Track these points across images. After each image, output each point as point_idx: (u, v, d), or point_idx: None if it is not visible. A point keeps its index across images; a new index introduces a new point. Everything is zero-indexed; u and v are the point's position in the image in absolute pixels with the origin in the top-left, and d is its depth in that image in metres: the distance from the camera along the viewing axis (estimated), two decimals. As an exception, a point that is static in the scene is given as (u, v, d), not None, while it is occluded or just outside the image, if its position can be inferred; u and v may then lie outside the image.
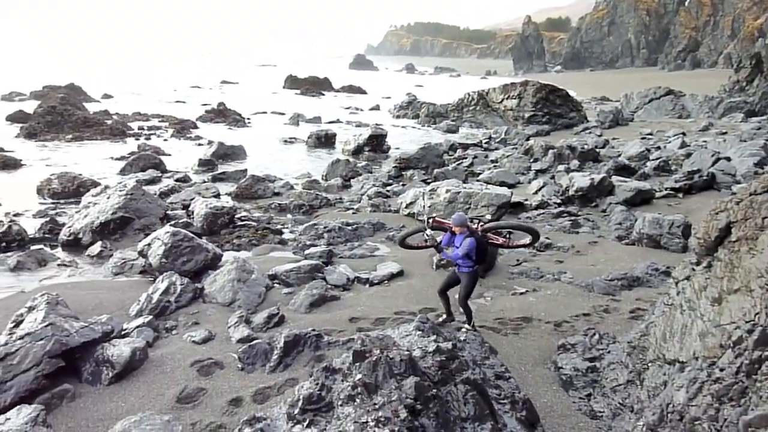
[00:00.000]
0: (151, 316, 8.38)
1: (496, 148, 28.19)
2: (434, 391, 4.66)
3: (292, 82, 66.49)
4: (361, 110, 46.14)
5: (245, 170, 20.39)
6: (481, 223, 8.16)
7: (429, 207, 8.61)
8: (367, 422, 4.24)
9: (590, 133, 32.02)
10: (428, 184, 17.52)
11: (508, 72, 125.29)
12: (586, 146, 23.13)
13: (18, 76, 55.41)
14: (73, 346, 6.67)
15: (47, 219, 13.65)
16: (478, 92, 41.16)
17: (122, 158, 21.95)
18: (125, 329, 7.93)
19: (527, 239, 8.54)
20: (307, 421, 4.53)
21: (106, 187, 15.00)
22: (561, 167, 21.19)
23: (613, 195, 16.43)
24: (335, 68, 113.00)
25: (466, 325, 7.86)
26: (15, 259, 11.08)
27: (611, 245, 12.82)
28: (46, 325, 6.76)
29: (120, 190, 13.70)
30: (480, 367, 6.09)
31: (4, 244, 11.90)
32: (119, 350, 6.85)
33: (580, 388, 6.41)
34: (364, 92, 64.27)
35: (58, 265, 11.32)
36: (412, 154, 21.88)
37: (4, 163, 20.27)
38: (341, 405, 4.57)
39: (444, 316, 8.25)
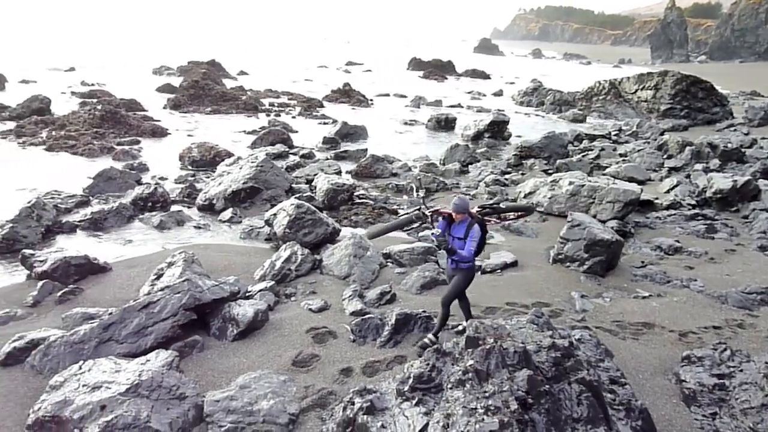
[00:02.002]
0: (272, 282, 8.90)
1: (626, 141, 26.54)
2: (547, 386, 4.55)
3: (416, 65, 66.73)
4: (484, 95, 45.33)
5: (366, 150, 20.86)
6: (502, 202, 7.57)
7: (423, 193, 7.27)
8: (476, 409, 4.24)
9: (735, 130, 29.15)
10: (549, 174, 16.93)
11: (644, 61, 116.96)
12: (729, 144, 21.10)
13: (167, 51, 60.40)
14: (204, 301, 7.26)
15: (186, 184, 14.87)
16: (609, 81, 38.87)
17: (253, 132, 23.29)
18: (249, 291, 8.49)
19: (518, 213, 8.09)
20: (416, 399, 4.62)
21: (239, 158, 16.03)
22: (698, 166, 19.53)
23: (759, 200, 14.90)
24: (459, 52, 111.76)
25: (430, 335, 6.88)
26: (158, 219, 12.22)
27: (752, 255, 11.68)
28: (183, 281, 7.41)
29: (251, 162, 14.58)
30: (594, 368, 5.85)
31: (150, 204, 13.14)
32: (244, 310, 7.36)
33: (705, 405, 5.96)
34: (487, 77, 63.03)
35: (194, 227, 12.33)
36: (534, 142, 21.20)
37: (153, 132, 22.31)
38: (451, 388, 4.61)
39: (431, 337, 6.88)
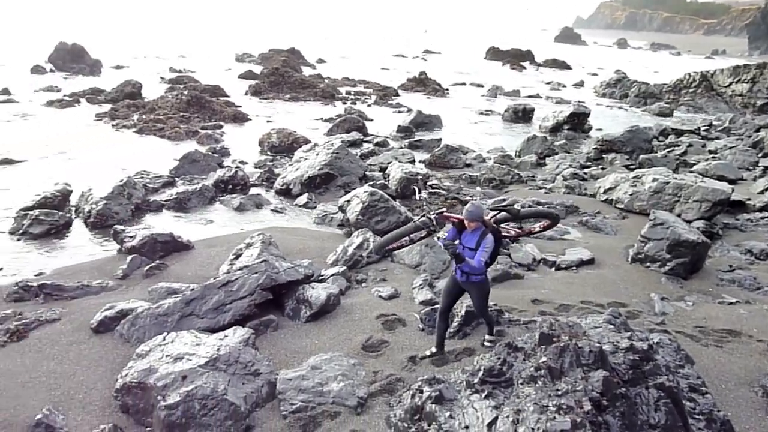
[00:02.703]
0: (344, 267, 9.05)
1: (717, 138, 24.99)
2: (623, 389, 4.40)
3: (494, 54, 65.42)
4: (564, 86, 43.91)
5: (440, 139, 20.74)
6: (493, 213, 6.35)
7: (426, 197, 6.82)
8: (547, 406, 4.16)
9: (844, 129, 26.81)
10: (631, 170, 16.22)
11: (740, 52, 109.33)
12: (836, 144, 19.46)
13: (250, 39, 62.21)
14: (280, 282, 7.49)
15: (265, 169, 15.34)
16: (700, 73, 36.66)
17: (330, 119, 23.66)
18: (322, 275, 8.68)
19: (541, 223, 7.03)
20: (485, 393, 4.58)
21: (315, 144, 16.35)
22: (799, 166, 18.15)
23: None
24: (540, 41, 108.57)
25: (487, 336, 6.69)
26: (238, 201, 12.69)
27: None
28: (261, 262, 7.68)
29: (327, 149, 14.84)
30: (674, 374, 5.59)
31: (230, 186, 13.67)
32: (317, 293, 7.54)
33: (796, 422, 5.58)
34: (568, 67, 60.95)
35: (271, 210, 12.73)
36: (616, 136, 20.37)
37: (235, 117, 23.12)
38: (522, 384, 4.54)
39: (433, 349, 6.48)
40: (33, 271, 9.03)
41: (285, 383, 5.70)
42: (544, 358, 4.54)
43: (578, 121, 24.42)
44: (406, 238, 6.51)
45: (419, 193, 6.53)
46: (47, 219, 10.73)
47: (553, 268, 9.84)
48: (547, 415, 4.09)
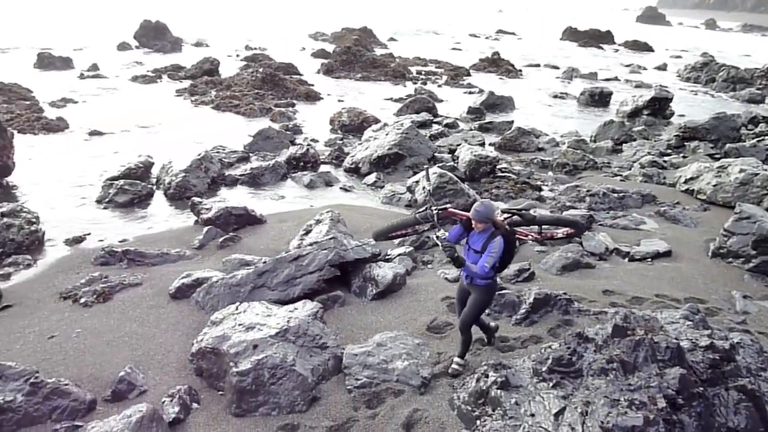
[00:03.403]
0: (411, 248, 9.08)
1: (815, 128, 23.16)
2: (700, 389, 4.22)
3: (571, 34, 62.96)
4: (645, 69, 41.80)
5: (511, 122, 20.29)
6: (513, 218, 5.61)
7: (430, 188, 6.13)
8: (618, 401, 4.04)
9: None
10: (716, 159, 15.32)
11: None
12: None
13: (323, 17, 62.72)
14: (348, 260, 7.61)
15: (335, 147, 15.53)
16: (801, 57, 33.93)
17: (400, 99, 23.59)
18: (389, 255, 8.74)
19: (565, 230, 6.18)
20: (553, 382, 4.51)
21: (385, 124, 16.37)
22: None
23: None
24: (620, 21, 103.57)
25: (457, 359, 5.82)
26: (308, 178, 12.94)
27: None
28: (330, 238, 7.81)
29: (397, 129, 14.84)
30: (755, 377, 5.30)
31: (301, 163, 13.94)
32: (384, 272, 7.60)
33: None
34: (650, 49, 57.92)
35: (340, 188, 12.90)
36: (700, 123, 19.23)
37: (307, 95, 23.47)
38: (591, 375, 4.43)
39: (459, 361, 5.81)
40: (117, 238, 9.57)
41: (351, 358, 5.81)
42: (617, 351, 4.41)
43: (659, 106, 23.24)
44: (409, 229, 6.04)
45: (426, 181, 6.03)
46: (131, 189, 11.32)
47: (627, 259, 9.50)
48: (618, 409, 3.99)
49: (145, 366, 6.00)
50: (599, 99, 26.47)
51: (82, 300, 7.29)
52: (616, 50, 56.00)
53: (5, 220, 9.05)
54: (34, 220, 9.44)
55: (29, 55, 27.32)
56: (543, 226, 5.84)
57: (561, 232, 6.07)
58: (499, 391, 4.67)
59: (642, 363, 4.28)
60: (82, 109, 19.21)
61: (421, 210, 5.63)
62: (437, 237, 5.18)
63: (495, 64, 36.05)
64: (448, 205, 5.87)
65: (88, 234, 9.65)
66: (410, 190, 11.50)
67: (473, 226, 5.24)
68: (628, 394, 4.09)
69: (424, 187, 5.59)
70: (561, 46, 55.14)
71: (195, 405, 5.50)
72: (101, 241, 9.38)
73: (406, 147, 14.29)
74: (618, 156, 17.43)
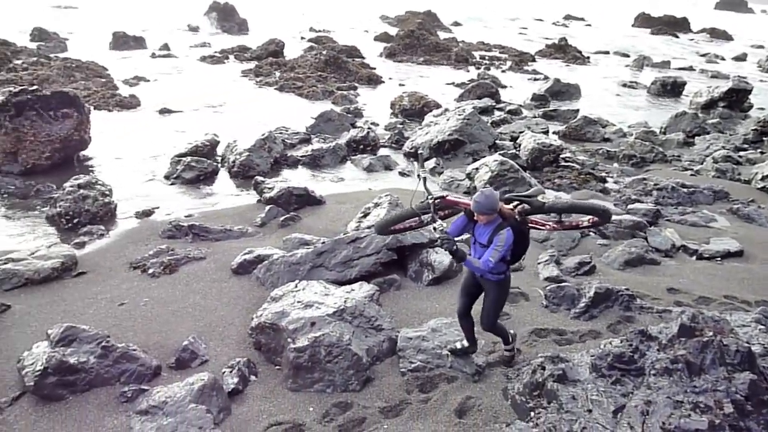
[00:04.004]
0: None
1: None
2: (772, 396, 4.02)
3: (644, 21, 60.26)
4: (722, 59, 39.60)
5: (577, 110, 19.69)
6: (521, 206, 4.89)
7: (425, 175, 5.24)
8: (682, 402, 3.91)
9: None
10: (799, 156, 14.41)
11: None
12: None
13: (387, 0, 62.43)
14: (405, 244, 7.63)
15: (395, 131, 15.51)
16: None
17: (462, 84, 23.29)
18: (446, 241, 8.69)
19: (590, 218, 5.35)
20: (613, 378, 4.40)
21: (446, 109, 16.21)
22: None
23: None
24: (697, 7, 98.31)
25: (504, 346, 5.67)
26: (368, 161, 13.00)
27: None
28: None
29: (458, 114, 14.67)
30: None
31: (361, 146, 14.02)
32: (440, 258, 7.58)
33: None
34: (729, 38, 54.78)
35: (399, 172, 12.90)
36: (783, 117, 18.11)
37: (369, 78, 23.51)
38: (654, 375, 4.30)
39: (464, 343, 5.65)
40: (184, 213, 9.92)
41: (405, 341, 5.85)
42: (682, 351, 4.26)
43: (737, 98, 21.98)
44: (411, 222, 5.51)
45: (420, 168, 5.43)
46: (197, 166, 11.70)
47: (694, 257, 9.10)
48: (681, 411, 3.85)
49: (207, 337, 6.24)
50: (671, 89, 25.29)
51: (150, 270, 7.63)
52: (692, 38, 53.24)
53: (81, 191, 9.54)
54: (107, 192, 9.91)
55: (105, 34, 28.51)
56: (562, 215, 5.26)
57: (586, 220, 5.36)
58: (555, 384, 4.60)
59: (709, 365, 4.12)
60: (154, 88, 19.94)
61: (422, 201, 5.11)
62: (434, 229, 4.72)
63: (562, 50, 34.99)
64: (446, 193, 5.39)
65: (157, 208, 10.05)
66: (469, 176, 11.37)
67: (477, 218, 4.76)
68: (692, 396, 3.94)
69: (418, 175, 5.11)
70: (632, 33, 52.91)
71: (253, 377, 5.68)
72: (168, 215, 9.75)
73: (466, 133, 14.12)
74: (689, 149, 16.66)
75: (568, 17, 63.94)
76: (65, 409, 5.10)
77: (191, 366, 5.77)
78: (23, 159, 11.41)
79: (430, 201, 4.97)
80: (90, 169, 12.03)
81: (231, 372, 5.58)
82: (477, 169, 11.13)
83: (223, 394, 5.25)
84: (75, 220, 9.19)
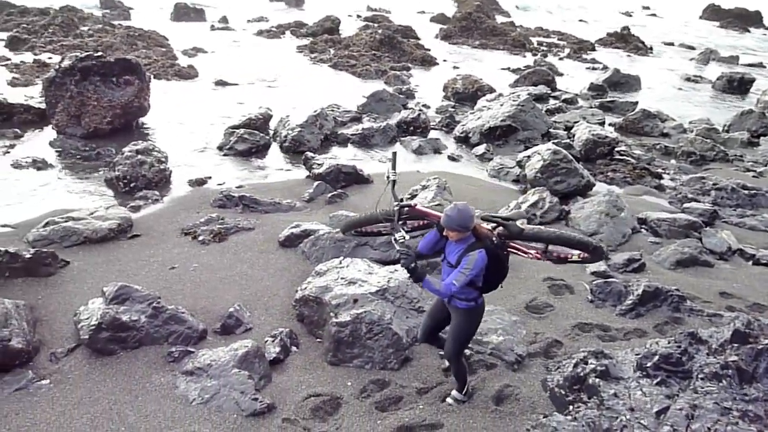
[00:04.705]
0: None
1: None
2: (828, 411, 3.85)
3: (713, 13, 57.42)
4: (798, 56, 37.49)
5: (636, 103, 19.03)
6: (524, 223, 4.45)
7: (395, 178, 4.78)
8: (730, 409, 3.79)
9: None
10: None
11: None
12: None
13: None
14: (451, 229, 7.59)
15: (446, 114, 15.37)
16: None
17: (517, 70, 22.83)
18: (492, 228, 8.61)
19: (580, 252, 4.67)
20: (658, 379, 4.30)
21: (500, 95, 15.93)
22: None
23: None
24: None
25: (455, 392, 4.98)
26: (417, 143, 12.94)
27: None
28: (436, 205, 7.81)
29: (512, 100, 14.41)
30: None
31: (411, 128, 13.95)
32: (486, 245, 7.52)
33: None
34: (807, 34, 51.69)
35: (448, 156, 12.80)
36: None
37: (423, 60, 23.31)
38: (702, 379, 4.17)
39: (456, 396, 5.00)
40: (235, 184, 10.13)
41: (446, 325, 5.85)
42: (734, 357, 4.12)
43: (811, 98, 20.79)
44: (381, 226, 5.07)
45: (390, 170, 4.73)
46: (250, 138, 11.89)
47: (751, 262, 8.76)
48: (728, 418, 3.74)
49: (251, 306, 6.39)
50: (738, 86, 24.13)
51: (201, 238, 7.84)
52: (765, 33, 50.51)
53: (139, 156, 9.84)
54: (163, 159, 10.20)
55: (167, 4, 29.10)
56: (549, 245, 4.58)
57: (576, 254, 4.64)
58: (597, 379, 4.53)
59: (762, 374, 3.97)
60: (211, 59, 20.29)
61: (393, 205, 4.64)
62: (395, 240, 4.22)
63: (623, 39, 33.78)
64: (414, 202, 4.83)
65: (209, 177, 10.29)
66: (520, 164, 11.18)
67: (447, 235, 4.26)
68: (742, 404, 3.82)
69: (387, 177, 4.67)
70: (699, 25, 50.60)
71: (294, 348, 5.80)
72: (220, 185, 9.97)
73: (520, 120, 13.86)
74: (753, 150, 15.90)
75: (632, 6, 61.57)
76: (116, 364, 5.34)
77: (235, 332, 5.94)
78: (86, 123, 11.83)
79: (396, 208, 4.52)
80: (148, 135, 12.39)
81: (273, 341, 5.71)
82: (529, 157, 10.94)
83: (265, 362, 5.39)
84: (132, 185, 9.51)
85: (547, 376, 5.21)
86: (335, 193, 9.62)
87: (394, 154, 4.86)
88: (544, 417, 4.39)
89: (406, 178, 10.67)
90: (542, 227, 4.70)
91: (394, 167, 4.68)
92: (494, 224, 4.45)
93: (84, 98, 11.78)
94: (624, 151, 13.65)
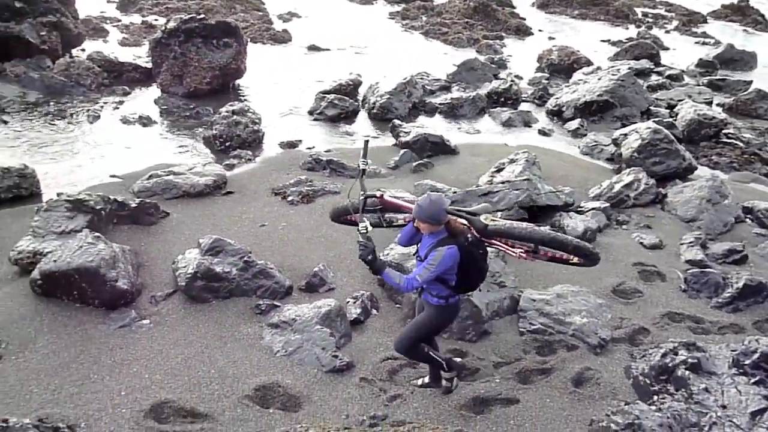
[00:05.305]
0: (607, 204, 8.53)
1: None
2: None
3: None
4: None
5: (750, 82, 17.51)
6: (488, 218, 4.02)
7: (365, 167, 4.54)
8: (838, 416, 3.52)
9: None
10: None
11: None
12: None
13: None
14: (539, 204, 7.43)
15: (539, 86, 14.83)
16: None
17: (618, 43, 21.58)
18: (581, 207, 8.33)
19: (571, 257, 4.17)
20: (756, 378, 4.06)
21: (598, 68, 15.18)
22: None
23: None
24: None
25: (422, 379, 4.81)
26: (507, 115, 12.62)
27: None
28: (524, 180, 7.65)
29: (611, 74, 13.69)
30: None
31: (502, 99, 13.62)
32: (574, 223, 7.30)
33: None
34: None
35: (539, 130, 12.39)
36: None
37: (517, 29, 22.51)
38: (807, 382, 3.90)
39: (425, 380, 4.85)
40: (323, 147, 10.32)
41: (528, 302, 5.76)
42: None
43: None
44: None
45: (361, 159, 4.51)
46: (339, 104, 12.03)
47: None
48: (834, 425, 3.48)
49: (335, 267, 6.56)
50: None
51: (290, 198, 8.10)
52: None
53: (235, 117, 10.22)
54: (257, 120, 10.54)
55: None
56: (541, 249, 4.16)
57: (561, 255, 4.19)
58: (687, 372, 4.33)
59: None
60: (304, 24, 20.57)
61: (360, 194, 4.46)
62: (358, 230, 4.08)
63: (741, 12, 31.00)
64: (381, 191, 4.61)
65: (300, 141, 10.54)
66: (616, 142, 10.66)
67: (417, 226, 4.07)
68: None
69: (358, 165, 4.52)
70: (834, -3, 45.47)
71: (374, 311, 5.93)
72: (309, 149, 10.19)
73: (618, 95, 13.15)
74: None
75: (754, -26, 56.21)
76: (208, 311, 5.68)
77: (319, 291, 6.14)
78: (187, 83, 12.40)
79: (361, 198, 4.38)
80: (243, 97, 12.83)
81: (355, 302, 5.86)
82: (626, 135, 10.40)
83: (346, 322, 5.55)
84: (227, 144, 9.93)
85: (632, 364, 5.04)
86: (421, 162, 9.60)
87: (366, 141, 4.61)
88: (625, 404, 4.27)
89: (492, 151, 10.49)
90: (517, 223, 4.15)
91: (364, 155, 4.45)
92: (460, 216, 4.13)
93: (186, 59, 12.33)
94: (732, 133, 12.66)
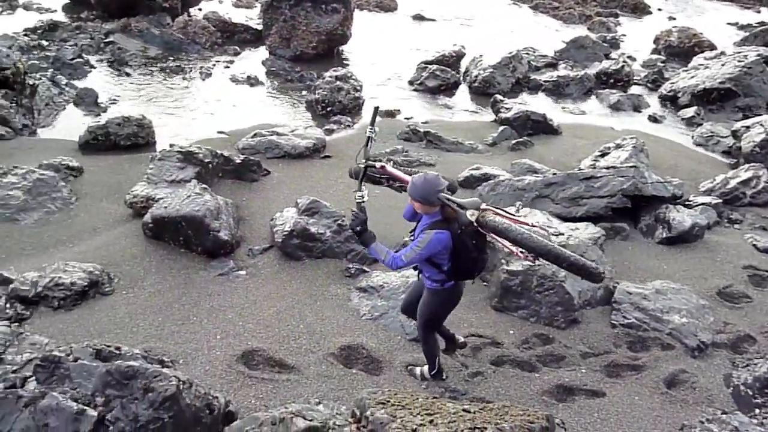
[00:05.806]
0: (719, 200, 7.97)
1: None
2: None
3: None
4: None
5: None
6: (477, 213, 3.62)
7: (373, 135, 4.07)
8: None
9: None
10: None
11: None
12: None
13: None
14: (644, 194, 7.03)
15: (654, 69, 13.93)
16: None
17: (748, 27, 19.78)
18: (690, 201, 7.81)
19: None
20: None
21: (722, 53, 14.03)
22: None
23: None
24: None
25: (425, 368, 4.55)
26: (616, 98, 11.98)
27: None
28: (630, 167, 7.25)
29: (738, 61, 12.59)
30: None
31: (612, 80, 12.98)
32: (681, 217, 6.87)
33: None
34: None
35: (649, 115, 11.65)
36: None
37: (634, 7, 21.19)
38: None
39: (425, 370, 4.62)
40: (421, 119, 10.29)
41: (623, 295, 5.52)
42: None
43: None
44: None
45: (369, 127, 4.21)
46: (441, 75, 11.90)
47: None
48: None
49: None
50: None
51: (385, 167, 8.15)
52: None
53: (337, 83, 10.38)
54: (358, 87, 10.65)
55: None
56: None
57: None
58: (798, 387, 4.01)
59: None
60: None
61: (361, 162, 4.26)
62: (355, 199, 3.94)
63: None
64: (382, 162, 4.41)
65: (398, 110, 10.55)
66: (735, 134, 9.86)
67: (412, 204, 3.88)
68: None
69: (368, 131, 4.15)
70: None
71: (461, 287, 5.89)
72: (407, 119, 10.19)
73: (743, 84, 12.09)
74: None
75: None
76: (301, 268, 5.88)
77: (407, 261, 6.17)
78: (294, 46, 12.70)
79: (361, 166, 4.22)
80: (346, 63, 12.97)
81: (442, 276, 5.84)
82: (748, 127, 9.60)
83: (433, 295, 5.56)
84: (328, 108, 10.11)
85: (733, 372, 4.73)
86: (520, 140, 9.35)
87: (376, 108, 4.33)
88: (723, 413, 4.03)
89: (597, 134, 10.05)
90: (516, 225, 3.75)
91: (372, 123, 4.20)
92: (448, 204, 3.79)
93: (295, 23, 12.61)
94: None
